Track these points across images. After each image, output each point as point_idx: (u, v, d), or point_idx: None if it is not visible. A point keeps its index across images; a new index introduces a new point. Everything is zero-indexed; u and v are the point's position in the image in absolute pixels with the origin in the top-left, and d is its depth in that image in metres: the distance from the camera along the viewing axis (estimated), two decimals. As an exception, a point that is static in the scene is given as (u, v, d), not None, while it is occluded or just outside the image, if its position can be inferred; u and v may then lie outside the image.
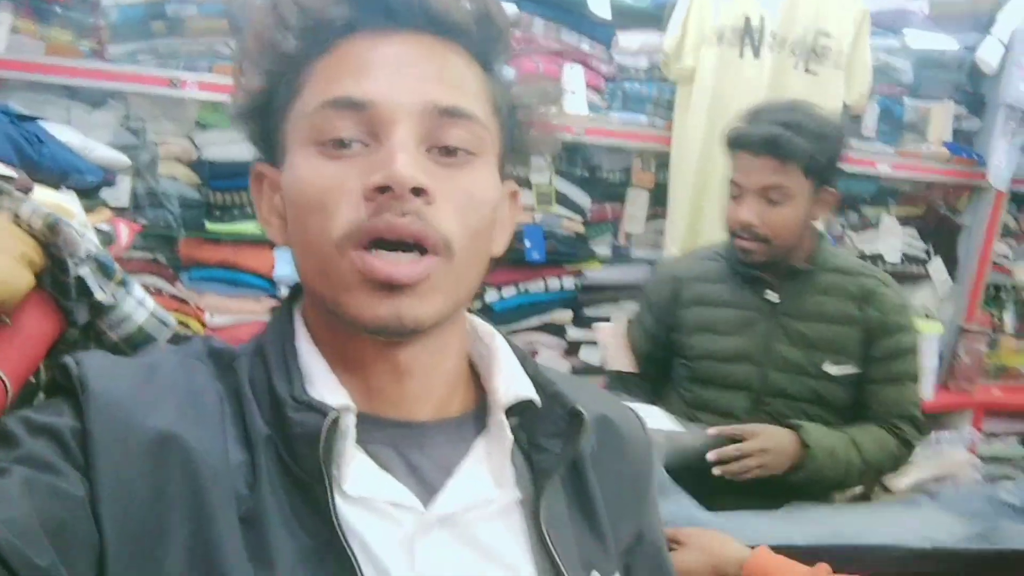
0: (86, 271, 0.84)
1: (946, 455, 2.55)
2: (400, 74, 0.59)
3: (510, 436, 0.63)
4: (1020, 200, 2.81)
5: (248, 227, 1.92)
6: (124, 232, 1.48)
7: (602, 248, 2.33)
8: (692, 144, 2.18)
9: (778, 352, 1.54)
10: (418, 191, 0.56)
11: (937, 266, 2.72)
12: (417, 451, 0.61)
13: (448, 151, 0.59)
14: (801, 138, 1.43)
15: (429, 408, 0.64)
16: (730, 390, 1.57)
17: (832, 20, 2.23)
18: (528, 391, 0.64)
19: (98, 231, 1.29)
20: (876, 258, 2.62)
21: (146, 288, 1.83)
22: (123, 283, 0.87)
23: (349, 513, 0.56)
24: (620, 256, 2.36)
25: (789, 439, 1.48)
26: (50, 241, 0.81)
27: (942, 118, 2.60)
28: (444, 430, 0.63)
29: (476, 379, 0.68)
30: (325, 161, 0.58)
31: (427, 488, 0.60)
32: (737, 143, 1.50)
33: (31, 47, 1.67)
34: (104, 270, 0.86)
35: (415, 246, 0.56)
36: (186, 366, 0.61)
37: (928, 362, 2.61)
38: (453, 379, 0.66)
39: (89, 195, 1.32)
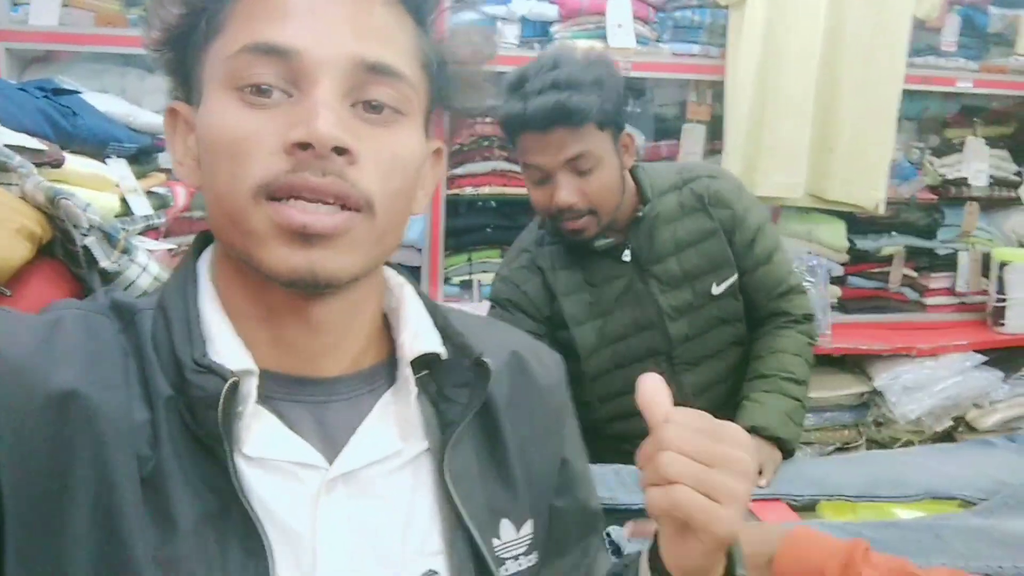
0: (91, 240, 0.90)
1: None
2: (329, 24, 0.56)
3: (414, 389, 0.63)
4: None
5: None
6: (181, 194, 1.56)
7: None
8: (747, 72, 2.10)
9: (662, 303, 1.46)
10: (341, 151, 0.55)
11: (1030, 188, 2.54)
12: (326, 407, 0.61)
13: (374, 108, 0.57)
14: (582, 94, 1.28)
15: (342, 363, 0.63)
16: (640, 364, 1.47)
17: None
18: (434, 344, 0.64)
19: (153, 195, 1.37)
20: (961, 183, 2.47)
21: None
22: (126, 250, 0.94)
23: (252, 475, 0.56)
24: (677, 193, 2.31)
25: None
26: (53, 214, 0.89)
27: (1034, 26, 2.38)
28: (354, 384, 0.63)
29: (388, 329, 0.68)
30: (244, 108, 0.56)
31: (334, 445, 0.60)
32: (519, 126, 1.32)
33: (82, 19, 1.75)
34: (109, 239, 0.93)
35: (334, 203, 0.55)
36: (89, 321, 0.59)
37: (1019, 293, 2.46)
38: (367, 334, 0.65)
39: (141, 161, 1.40)
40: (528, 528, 0.67)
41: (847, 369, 2.52)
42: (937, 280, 2.59)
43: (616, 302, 1.47)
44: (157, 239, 1.29)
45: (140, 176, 1.32)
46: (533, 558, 0.67)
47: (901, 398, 2.41)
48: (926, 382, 2.42)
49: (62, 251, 0.92)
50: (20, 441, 0.52)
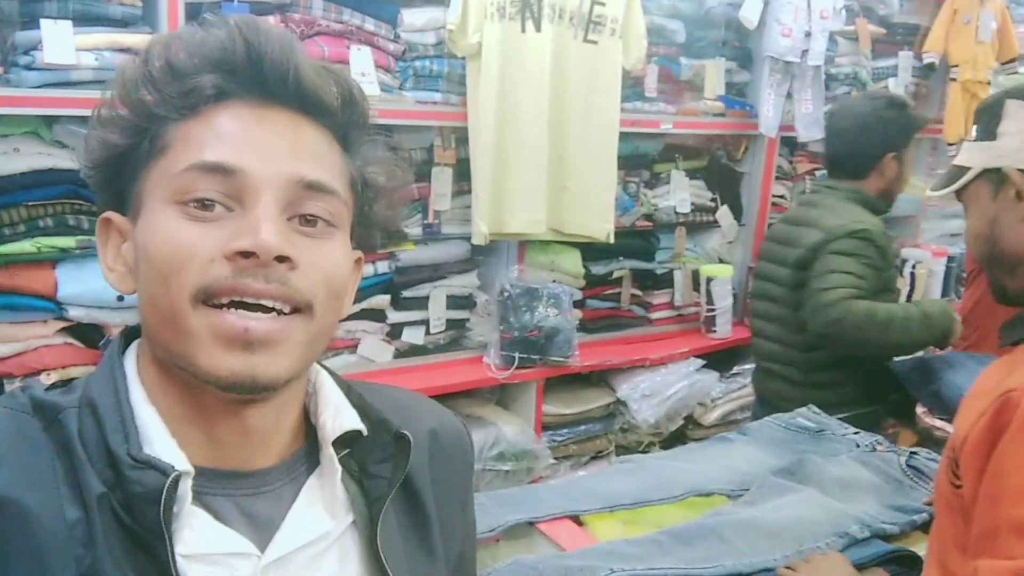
0: None
1: (747, 386, 2.80)
2: (269, 146, 0.61)
3: (338, 468, 0.66)
4: (791, 144, 3.08)
5: (23, 246, 1.78)
6: None
7: (413, 228, 2.35)
8: (486, 119, 2.23)
9: None
10: (283, 259, 0.59)
11: (724, 212, 2.95)
12: (254, 499, 0.63)
13: (309, 221, 0.62)
14: None
15: (270, 457, 0.66)
16: None
17: (605, -11, 2.33)
18: (353, 422, 0.68)
19: None
20: (669, 211, 2.81)
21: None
22: None
23: (188, 567, 0.58)
24: (432, 234, 2.39)
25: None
26: None
27: (715, 74, 2.79)
28: (278, 474, 0.66)
29: (306, 414, 0.70)
30: (186, 220, 0.59)
31: (264, 533, 0.62)
32: None
33: None
34: None
35: (274, 308, 0.59)
36: (18, 422, 0.60)
37: (724, 302, 2.85)
38: (292, 425, 0.68)
39: None
40: None
41: (593, 384, 2.76)
42: (659, 297, 2.92)
43: None
44: None
45: None
46: None
47: (641, 405, 2.69)
48: (659, 388, 2.72)
49: None
50: None
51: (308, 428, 0.70)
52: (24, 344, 1.83)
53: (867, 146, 2.05)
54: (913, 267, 3.35)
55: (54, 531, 0.55)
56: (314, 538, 0.64)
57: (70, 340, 1.88)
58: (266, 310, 0.58)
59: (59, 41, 1.67)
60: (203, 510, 0.60)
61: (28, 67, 1.70)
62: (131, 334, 0.68)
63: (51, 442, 0.59)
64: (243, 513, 0.62)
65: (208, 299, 0.58)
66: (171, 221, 0.59)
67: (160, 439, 0.60)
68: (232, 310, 0.58)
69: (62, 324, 1.86)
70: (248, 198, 0.60)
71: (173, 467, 0.57)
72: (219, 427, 0.63)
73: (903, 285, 3.35)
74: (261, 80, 0.62)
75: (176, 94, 0.61)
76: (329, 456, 0.66)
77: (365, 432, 0.68)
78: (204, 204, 0.59)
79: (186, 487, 0.58)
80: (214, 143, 0.61)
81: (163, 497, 0.55)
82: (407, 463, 0.68)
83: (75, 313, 1.84)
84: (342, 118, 0.66)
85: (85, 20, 1.75)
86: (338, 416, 0.68)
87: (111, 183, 0.65)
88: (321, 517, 0.65)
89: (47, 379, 1.85)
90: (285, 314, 0.60)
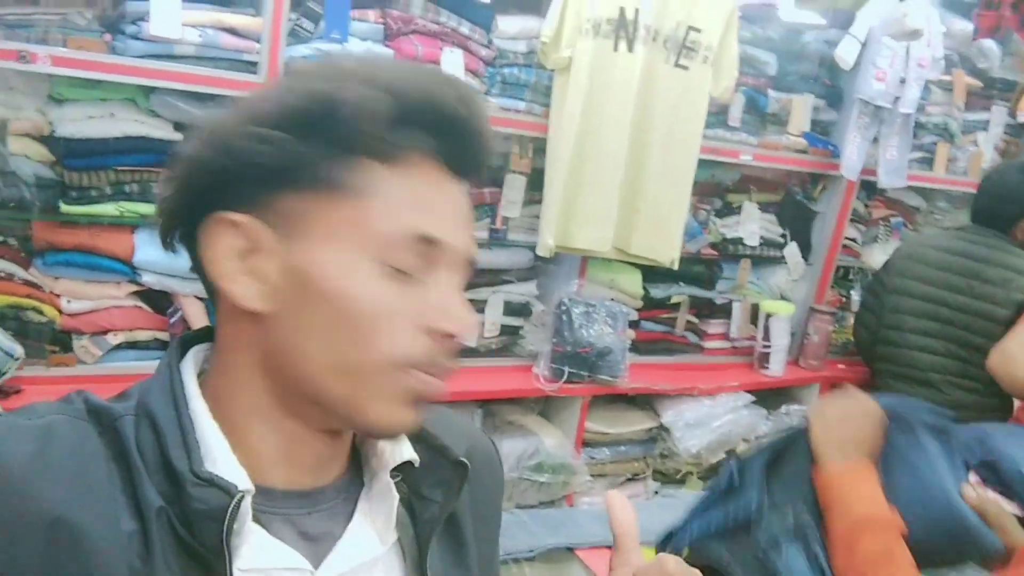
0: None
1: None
2: (460, 222, 0.63)
3: (396, 495, 0.67)
4: (870, 188, 3.02)
5: (107, 209, 1.83)
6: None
7: (480, 231, 2.36)
8: (567, 134, 2.23)
9: None
10: None
11: (792, 250, 2.90)
12: (307, 518, 0.64)
13: None
14: None
15: (328, 477, 0.67)
16: None
17: (702, 16, 2.30)
18: (409, 452, 0.68)
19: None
20: (737, 242, 2.77)
21: (-2, 273, 1.74)
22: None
23: None
24: (497, 239, 2.40)
25: None
26: None
27: (802, 110, 2.74)
28: (333, 492, 0.67)
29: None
30: (388, 283, 0.60)
31: (317, 550, 0.63)
32: None
33: None
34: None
35: None
36: (76, 429, 0.59)
37: (781, 340, 2.80)
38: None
39: None
40: None
41: (639, 406, 2.74)
42: (714, 326, 2.89)
43: None
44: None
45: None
46: None
47: (684, 433, 2.66)
48: (705, 419, 2.69)
49: None
50: (12, 559, 0.53)
51: (352, 447, 0.71)
52: (96, 303, 1.88)
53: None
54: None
55: (109, 544, 0.55)
56: (367, 559, 0.65)
57: (140, 304, 1.93)
58: None
59: (166, 14, 1.71)
60: (259, 527, 0.61)
61: (134, 37, 1.74)
62: (187, 342, 0.67)
63: (106, 449, 0.58)
64: (297, 530, 0.63)
65: (413, 368, 0.61)
66: (373, 280, 0.59)
67: (223, 456, 0.60)
68: (430, 375, 0.62)
69: (134, 288, 1.91)
70: (438, 270, 0.62)
71: (236, 487, 0.57)
72: (305, 455, 0.64)
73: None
74: (465, 155, 0.63)
75: (386, 137, 0.59)
76: (386, 483, 0.67)
77: (418, 463, 0.68)
78: (406, 271, 0.61)
79: (247, 505, 0.58)
80: (427, 210, 0.61)
81: (227, 516, 0.56)
82: (461, 489, 0.68)
83: (147, 279, 1.89)
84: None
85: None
86: (396, 444, 0.68)
87: (249, 180, 0.60)
88: (373, 540, 0.66)
89: (114, 339, 1.91)
90: None
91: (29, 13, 1.69)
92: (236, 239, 0.61)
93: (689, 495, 2.10)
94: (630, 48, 2.22)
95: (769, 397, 2.86)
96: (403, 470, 0.68)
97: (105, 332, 1.90)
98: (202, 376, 0.65)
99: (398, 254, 0.59)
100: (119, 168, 1.83)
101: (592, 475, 2.59)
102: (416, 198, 0.60)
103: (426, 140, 0.61)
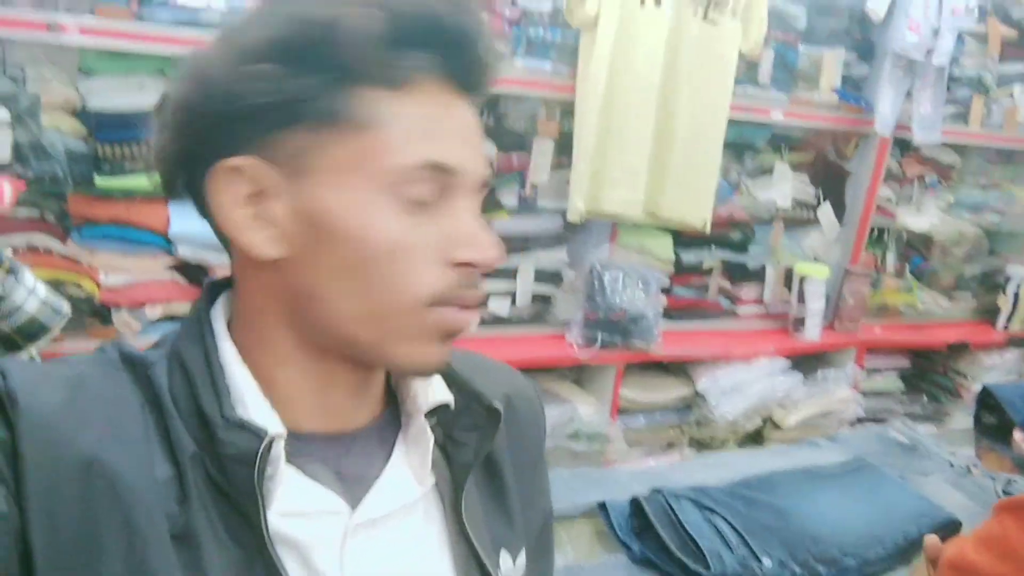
0: (-30, 261, 0.80)
1: (831, 392, 2.72)
2: (473, 144, 0.61)
3: (431, 437, 0.66)
4: (903, 145, 2.95)
5: (140, 181, 1.83)
6: (7, 190, 1.40)
7: (508, 198, 2.34)
8: (595, 94, 2.19)
9: None
10: None
11: (826, 211, 2.86)
12: (343, 459, 0.63)
13: None
14: None
15: (362, 419, 0.66)
16: None
17: (731, -31, 2.26)
18: (444, 394, 0.67)
19: (-25, 193, 1.22)
20: (770, 203, 2.73)
21: (35, 248, 1.75)
22: (11, 271, 0.84)
23: (280, 524, 0.58)
24: (527, 206, 2.37)
25: None
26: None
27: (833, 65, 2.69)
28: (369, 434, 0.66)
29: (386, 378, 0.70)
30: (405, 218, 0.57)
31: (353, 493, 0.62)
32: None
33: None
34: (-10, 259, 0.82)
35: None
36: (109, 378, 0.59)
37: (816, 304, 2.76)
38: (381, 387, 0.69)
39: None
40: (522, 558, 0.71)
41: (672, 373, 2.72)
42: (748, 291, 2.85)
43: None
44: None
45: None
46: None
47: (720, 400, 2.63)
48: (740, 385, 2.66)
49: (-65, 273, 0.80)
50: (50, 504, 0.52)
51: (389, 389, 0.70)
52: (133, 276, 1.89)
53: None
54: (1018, 287, 3.20)
55: (144, 489, 0.55)
56: (405, 502, 0.65)
57: (176, 277, 1.94)
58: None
59: (193, -19, 1.71)
60: (295, 469, 0.60)
61: (160, 4, 1.74)
62: (216, 288, 0.66)
63: (141, 397, 0.58)
64: (333, 471, 0.63)
65: (440, 303, 0.59)
66: (389, 216, 0.57)
67: (253, 400, 0.59)
68: (459, 309, 0.60)
69: (171, 261, 1.92)
70: (455, 197, 0.60)
71: (266, 430, 0.56)
72: (337, 395, 0.64)
73: (1004, 304, 3.21)
74: (471, 69, 0.60)
75: (387, 60, 0.56)
76: (421, 425, 0.66)
77: (453, 406, 0.68)
78: (424, 202, 0.58)
79: (279, 449, 0.58)
80: (439, 138, 0.58)
81: (257, 459, 0.55)
82: (495, 434, 0.68)
83: (183, 251, 1.90)
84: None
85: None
86: (429, 386, 0.67)
87: (246, 122, 0.56)
88: (410, 482, 0.66)
89: (151, 311, 1.91)
90: None
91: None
92: (241, 185, 0.58)
93: (726, 454, 2.07)
94: (657, 2, 2.19)
95: (804, 362, 2.82)
96: (438, 413, 0.68)
97: (143, 305, 1.91)
98: (232, 321, 0.64)
99: (413, 186, 0.57)
100: (151, 140, 1.83)
101: (627, 443, 2.58)
102: (426, 124, 0.57)
103: (429, 59, 0.57)
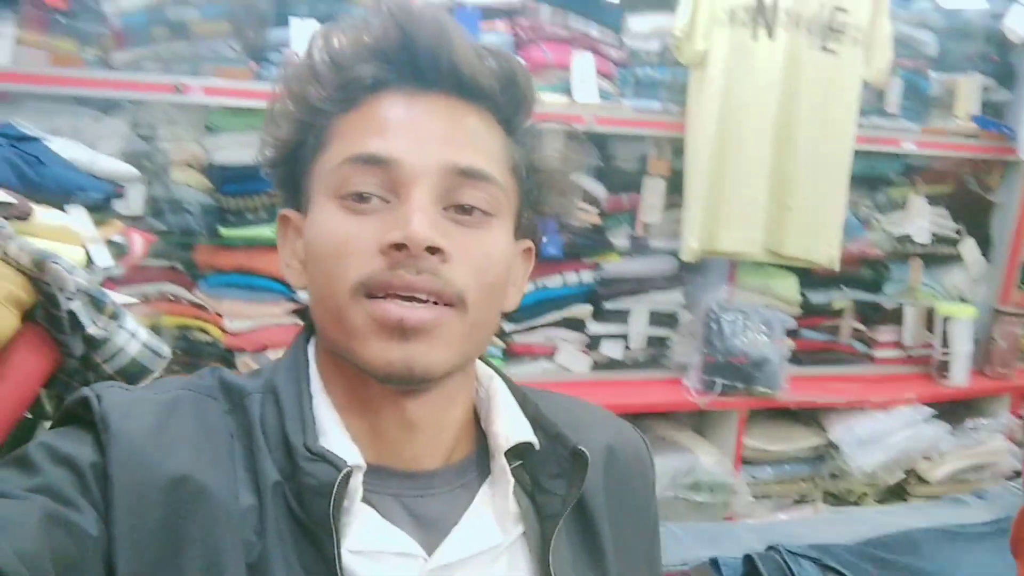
0: (77, 305, 0.84)
1: (983, 443, 2.49)
2: (423, 134, 0.61)
3: (511, 480, 0.64)
4: (1055, 173, 2.70)
5: (261, 231, 1.92)
6: (138, 242, 1.49)
7: (620, 239, 2.30)
8: (707, 130, 2.13)
9: None
10: (433, 250, 0.58)
11: (969, 246, 2.64)
12: (421, 500, 0.63)
13: (464, 210, 0.61)
14: None
15: (436, 458, 0.65)
16: None
17: (849, -6, 2.16)
18: (527, 434, 0.65)
19: (111, 243, 1.30)
20: (904, 239, 2.55)
21: (165, 296, 1.86)
22: (115, 316, 0.87)
23: (354, 562, 0.57)
24: (639, 247, 2.32)
25: None
26: (38, 278, 0.81)
27: (969, 91, 2.51)
28: (448, 478, 0.65)
29: (477, 421, 0.69)
30: (345, 214, 0.60)
31: (431, 537, 0.61)
32: None
33: (36, 58, 1.67)
34: (95, 303, 0.86)
35: (429, 300, 0.59)
36: (201, 405, 0.61)
37: (963, 347, 2.54)
38: (459, 428, 0.67)
39: (100, 207, 1.33)
40: None
41: (802, 421, 2.55)
42: (884, 333, 2.66)
43: None
44: (114, 289, 1.25)
45: (98, 224, 1.27)
46: None
47: (856, 451, 2.44)
48: (879, 435, 2.46)
49: (43, 315, 0.85)
50: (137, 522, 0.53)
51: (479, 435, 0.68)
52: (255, 322, 1.97)
53: None
54: None
55: (228, 513, 0.55)
56: (485, 548, 0.63)
57: (297, 321, 2.01)
58: (421, 301, 0.58)
59: (306, 38, 1.78)
60: (371, 508, 0.60)
61: (279, 64, 1.83)
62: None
63: (233, 426, 0.60)
64: (410, 514, 0.62)
65: (368, 293, 0.58)
66: (332, 216, 0.60)
67: (335, 432, 0.60)
68: (388, 299, 0.58)
69: (293, 306, 1.99)
70: (403, 189, 0.60)
71: (345, 462, 0.57)
72: (382, 420, 0.63)
73: None
74: (415, 66, 0.62)
75: (336, 87, 0.62)
76: (501, 466, 0.64)
77: (538, 446, 0.65)
78: (361, 197, 0.60)
79: (357, 482, 0.58)
80: (369, 135, 0.61)
81: (334, 491, 0.55)
82: (583, 481, 0.64)
83: (303, 296, 1.96)
84: (503, 100, 0.65)
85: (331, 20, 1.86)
86: (512, 426, 0.65)
87: (286, 180, 0.67)
88: (492, 528, 0.64)
89: (273, 355, 1.98)
90: (441, 304, 0.59)
91: (182, 48, 1.82)
92: (289, 231, 0.68)
93: (856, 510, 1.90)
94: (770, 35, 2.11)
95: (951, 410, 2.59)
96: (524, 457, 0.65)
97: (264, 349, 1.98)
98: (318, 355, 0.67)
99: (346, 183, 0.60)
100: (272, 192, 1.92)
101: (754, 496, 2.43)
102: (365, 127, 0.61)
103: (375, 73, 0.62)
